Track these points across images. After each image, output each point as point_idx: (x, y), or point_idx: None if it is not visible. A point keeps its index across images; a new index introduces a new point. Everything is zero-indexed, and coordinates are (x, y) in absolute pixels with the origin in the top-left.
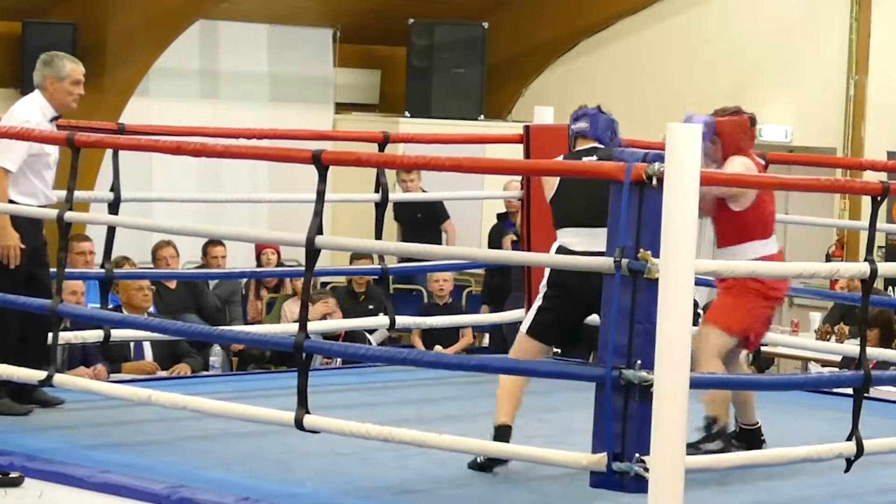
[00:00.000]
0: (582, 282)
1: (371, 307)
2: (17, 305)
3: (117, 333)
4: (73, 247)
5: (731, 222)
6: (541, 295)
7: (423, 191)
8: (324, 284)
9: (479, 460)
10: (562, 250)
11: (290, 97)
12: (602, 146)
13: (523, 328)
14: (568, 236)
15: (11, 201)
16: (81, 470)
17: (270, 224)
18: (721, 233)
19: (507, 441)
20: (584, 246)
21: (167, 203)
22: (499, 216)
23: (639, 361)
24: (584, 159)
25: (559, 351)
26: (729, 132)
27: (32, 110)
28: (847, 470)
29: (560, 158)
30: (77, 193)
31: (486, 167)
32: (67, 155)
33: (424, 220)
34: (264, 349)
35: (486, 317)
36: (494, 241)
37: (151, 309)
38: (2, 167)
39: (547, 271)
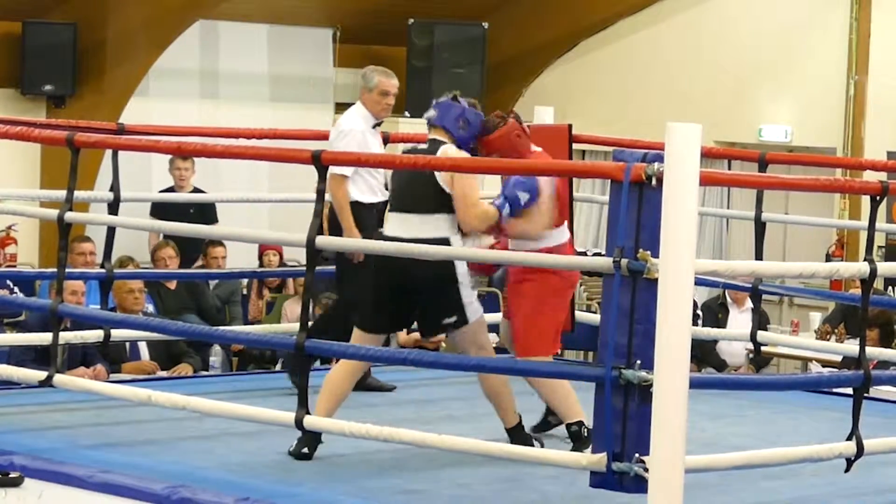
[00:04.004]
0: (396, 268)
1: None
2: (17, 306)
3: (117, 333)
4: (74, 248)
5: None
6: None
7: (196, 189)
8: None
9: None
10: (377, 236)
11: (290, 97)
12: (448, 135)
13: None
14: (387, 222)
15: (357, 202)
16: (81, 470)
17: (271, 224)
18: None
19: (527, 438)
20: (393, 231)
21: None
22: None
23: (639, 361)
24: (419, 147)
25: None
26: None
27: (356, 119)
28: (847, 470)
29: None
30: (77, 193)
31: (486, 167)
32: (68, 155)
33: (195, 220)
34: (264, 349)
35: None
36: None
37: (151, 309)
38: (340, 174)
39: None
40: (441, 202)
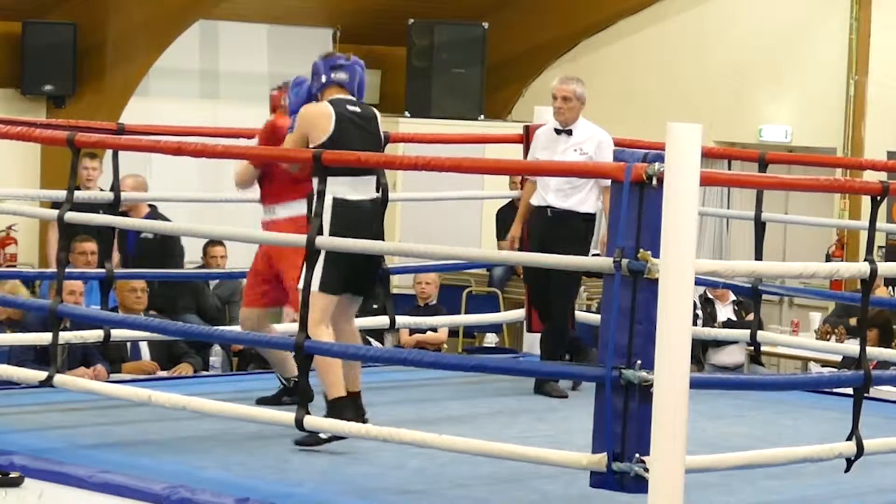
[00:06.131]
0: (366, 230)
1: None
2: (17, 306)
3: (117, 333)
4: (75, 247)
5: (291, 181)
6: (322, 251)
7: (101, 188)
8: None
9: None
10: (340, 203)
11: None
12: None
13: (314, 287)
14: (340, 185)
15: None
16: (81, 470)
17: None
18: (279, 191)
19: (350, 410)
20: (359, 195)
21: (167, 203)
22: None
23: (639, 361)
24: (350, 108)
25: None
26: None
27: (543, 128)
28: (847, 470)
29: (327, 103)
30: (77, 193)
31: (486, 167)
32: (68, 155)
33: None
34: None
35: (485, 317)
36: None
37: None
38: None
39: (327, 226)
40: None
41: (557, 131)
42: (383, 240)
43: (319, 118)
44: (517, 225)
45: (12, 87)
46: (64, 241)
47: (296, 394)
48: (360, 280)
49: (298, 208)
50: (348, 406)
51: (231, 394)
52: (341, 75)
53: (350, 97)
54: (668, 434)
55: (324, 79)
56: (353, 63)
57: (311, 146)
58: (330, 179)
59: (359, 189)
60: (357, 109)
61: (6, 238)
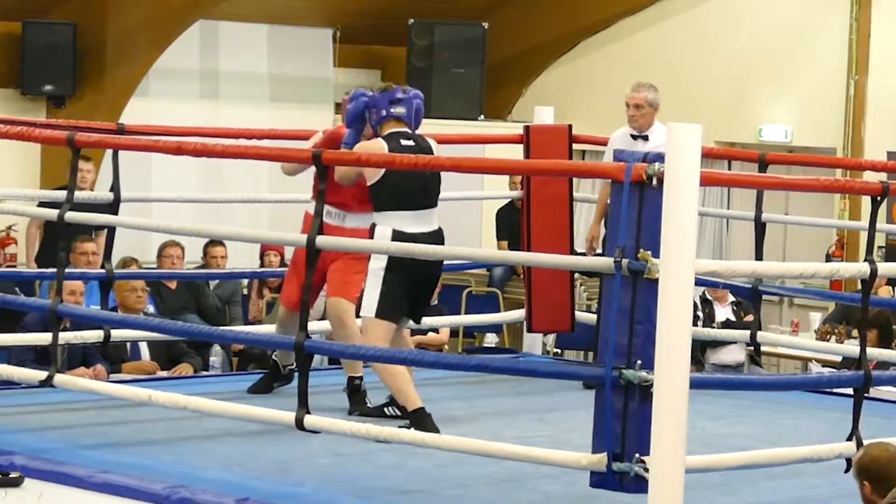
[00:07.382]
0: (424, 264)
1: None
2: (17, 305)
3: (117, 334)
4: (76, 247)
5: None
6: (379, 279)
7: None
8: None
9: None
10: (398, 234)
11: (290, 97)
12: (411, 131)
13: (369, 313)
14: (400, 219)
15: None
16: (81, 470)
17: (271, 224)
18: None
19: (430, 422)
20: (418, 227)
21: (167, 203)
22: None
23: (639, 361)
24: (403, 143)
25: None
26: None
27: (620, 132)
28: (847, 470)
29: (381, 141)
30: (77, 193)
31: (486, 167)
32: (68, 155)
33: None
34: (264, 349)
35: (485, 317)
36: None
37: (151, 309)
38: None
39: (384, 258)
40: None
41: (634, 137)
42: (440, 273)
43: None
44: (595, 225)
45: (12, 87)
46: (64, 241)
47: (285, 378)
48: (418, 303)
49: (366, 222)
50: (426, 417)
51: (231, 394)
52: (400, 109)
53: (406, 130)
54: (668, 434)
55: (383, 112)
56: (411, 96)
57: (368, 184)
58: (390, 212)
59: (418, 222)
60: (411, 143)
61: (6, 238)
